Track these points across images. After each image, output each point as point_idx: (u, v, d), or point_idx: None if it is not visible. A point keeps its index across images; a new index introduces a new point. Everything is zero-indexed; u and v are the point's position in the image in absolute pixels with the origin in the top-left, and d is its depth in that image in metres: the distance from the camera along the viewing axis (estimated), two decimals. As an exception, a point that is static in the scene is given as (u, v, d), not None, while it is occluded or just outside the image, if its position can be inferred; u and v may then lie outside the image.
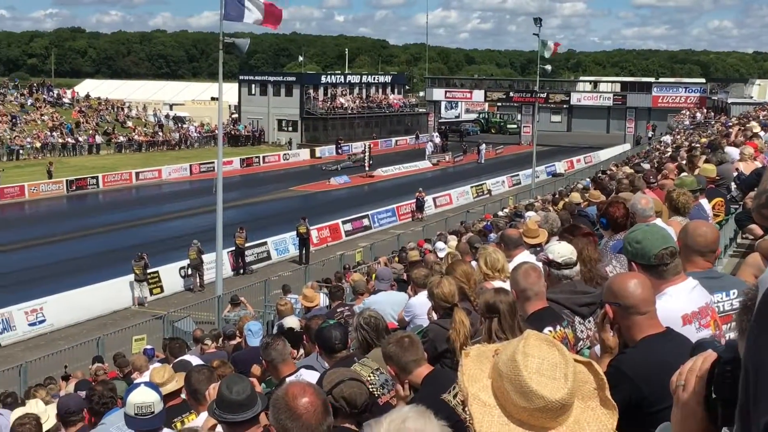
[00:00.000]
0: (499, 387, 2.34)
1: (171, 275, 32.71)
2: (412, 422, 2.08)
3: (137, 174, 62.12)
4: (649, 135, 79.46)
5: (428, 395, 4.48)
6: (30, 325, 27.13)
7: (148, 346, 18.46)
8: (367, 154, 66.10)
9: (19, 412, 8.36)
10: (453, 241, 19.35)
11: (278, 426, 3.52)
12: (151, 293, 31.39)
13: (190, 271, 32.87)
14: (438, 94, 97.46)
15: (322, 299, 17.07)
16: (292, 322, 10.53)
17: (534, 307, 5.33)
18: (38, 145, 68.14)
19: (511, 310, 4.95)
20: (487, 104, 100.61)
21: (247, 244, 35.42)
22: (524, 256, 8.38)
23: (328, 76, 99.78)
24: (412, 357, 4.91)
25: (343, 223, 43.19)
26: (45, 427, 7.87)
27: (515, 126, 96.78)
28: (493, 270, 7.35)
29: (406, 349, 4.90)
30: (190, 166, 66.22)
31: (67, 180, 57.12)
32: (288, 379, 5.79)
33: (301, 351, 8.70)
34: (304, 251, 36.89)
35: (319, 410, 3.53)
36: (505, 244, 8.80)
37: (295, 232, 37.47)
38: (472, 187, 57.89)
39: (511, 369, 2.30)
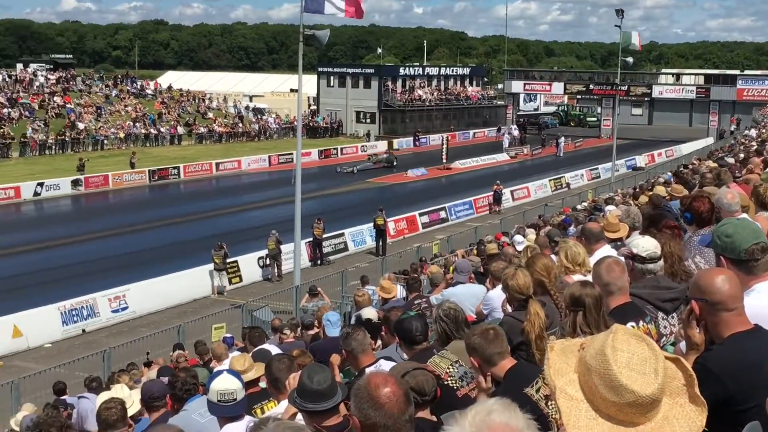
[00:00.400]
0: (587, 381, 2.32)
1: (250, 265, 33.09)
2: (498, 415, 2.08)
3: (217, 165, 62.84)
4: (732, 129, 77.70)
5: (511, 388, 4.46)
6: (113, 311, 27.77)
7: (228, 335, 18.69)
8: (445, 146, 65.88)
9: (104, 396, 8.52)
10: (531, 234, 19.16)
11: (361, 415, 3.54)
12: (230, 282, 31.80)
13: (268, 261, 33.20)
14: (517, 86, 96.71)
15: (400, 291, 17.10)
16: (369, 313, 10.58)
17: (617, 301, 5.27)
18: (122, 135, 69.53)
19: (596, 304, 4.89)
20: (566, 97, 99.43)
21: (324, 235, 35.65)
22: (605, 250, 8.26)
23: (407, 68, 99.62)
24: (497, 349, 4.88)
25: (420, 215, 43.19)
26: (130, 412, 8.01)
27: (595, 119, 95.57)
28: (574, 264, 7.27)
29: (491, 342, 4.88)
30: (269, 157, 66.75)
31: (149, 170, 58.13)
32: (368, 370, 5.82)
33: (379, 342, 8.73)
34: (381, 243, 36.99)
35: (401, 400, 3.54)
36: (586, 238, 8.68)
37: (372, 224, 37.61)
38: (550, 180, 57.39)
39: (600, 363, 2.29)
